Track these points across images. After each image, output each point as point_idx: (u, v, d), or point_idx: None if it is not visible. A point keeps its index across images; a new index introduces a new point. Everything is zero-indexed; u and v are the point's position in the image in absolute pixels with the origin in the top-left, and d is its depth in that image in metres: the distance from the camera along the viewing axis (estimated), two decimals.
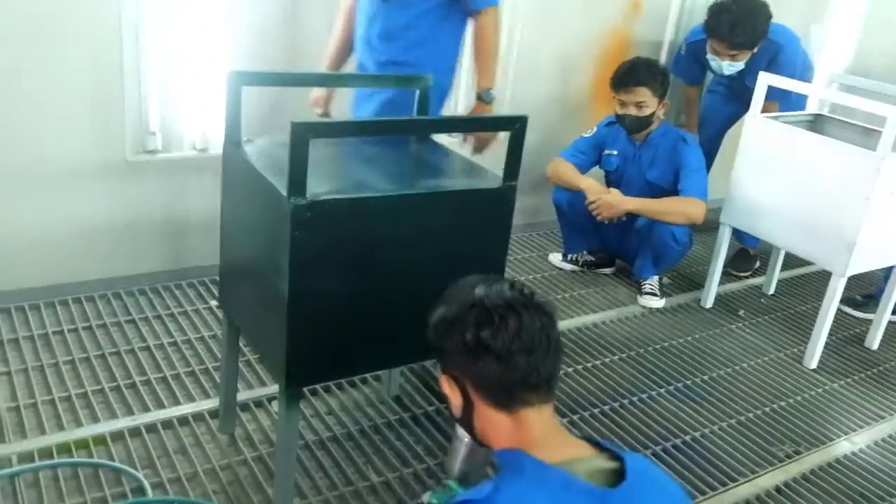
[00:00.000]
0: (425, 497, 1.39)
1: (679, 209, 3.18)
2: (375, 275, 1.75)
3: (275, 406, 2.40)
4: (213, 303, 2.93)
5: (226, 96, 1.89)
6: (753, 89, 3.12)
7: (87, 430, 2.19)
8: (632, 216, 3.30)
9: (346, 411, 2.43)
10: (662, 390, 2.77)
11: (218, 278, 2.14)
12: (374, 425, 2.38)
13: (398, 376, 2.54)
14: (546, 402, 1.16)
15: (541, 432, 1.15)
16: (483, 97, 2.68)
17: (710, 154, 3.83)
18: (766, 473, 2.41)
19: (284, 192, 1.60)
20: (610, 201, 3.23)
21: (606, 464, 1.12)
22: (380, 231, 1.72)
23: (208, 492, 2.04)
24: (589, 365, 2.86)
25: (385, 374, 2.52)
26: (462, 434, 1.53)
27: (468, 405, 1.18)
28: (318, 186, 1.65)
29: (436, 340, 1.19)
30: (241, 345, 2.23)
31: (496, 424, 1.16)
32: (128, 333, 2.70)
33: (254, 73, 1.94)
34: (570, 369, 2.82)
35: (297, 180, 1.58)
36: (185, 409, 2.34)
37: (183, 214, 2.99)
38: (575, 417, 2.55)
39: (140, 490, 2.01)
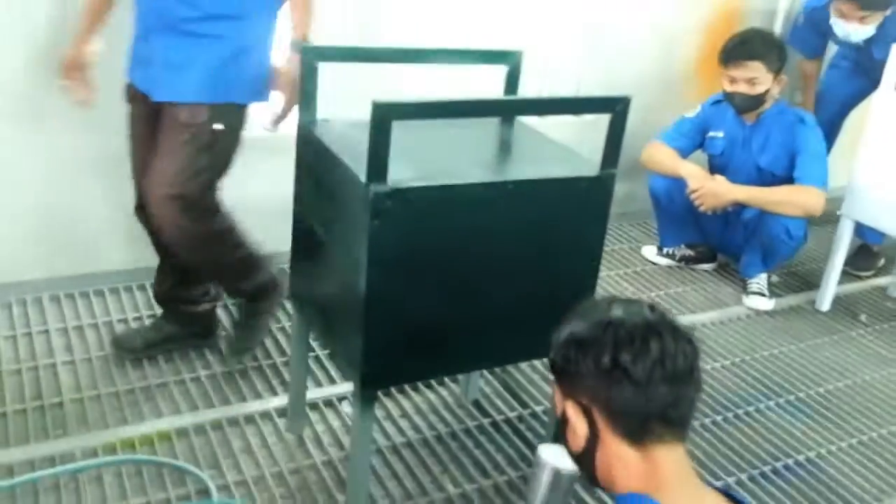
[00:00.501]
0: None
1: (795, 200, 3.07)
2: (461, 270, 1.73)
3: (345, 406, 2.41)
4: None
5: (301, 72, 1.89)
6: (883, 62, 2.96)
7: (151, 426, 2.25)
8: (738, 207, 3.20)
9: (422, 415, 2.42)
10: (771, 403, 2.68)
11: (286, 268, 2.15)
12: (451, 431, 2.36)
13: (478, 379, 2.52)
14: (679, 441, 1.12)
15: (674, 476, 1.10)
16: (297, 47, 2.15)
17: (829, 137, 3.63)
18: (893, 503, 2.29)
19: (363, 179, 1.59)
20: (715, 190, 3.13)
21: None
22: (467, 222, 1.70)
23: (275, 497, 2.06)
24: None
25: (464, 376, 2.50)
26: (544, 460, 1.50)
27: (594, 437, 1.13)
28: (400, 172, 1.63)
29: (562, 361, 1.14)
30: (310, 340, 2.24)
31: (624, 461, 1.11)
32: None
33: (328, 49, 1.94)
34: None
35: (378, 166, 1.56)
36: (252, 406, 2.37)
37: (247, 198, 3.02)
38: None
39: (205, 492, 2.04)
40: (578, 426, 1.14)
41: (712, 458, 2.38)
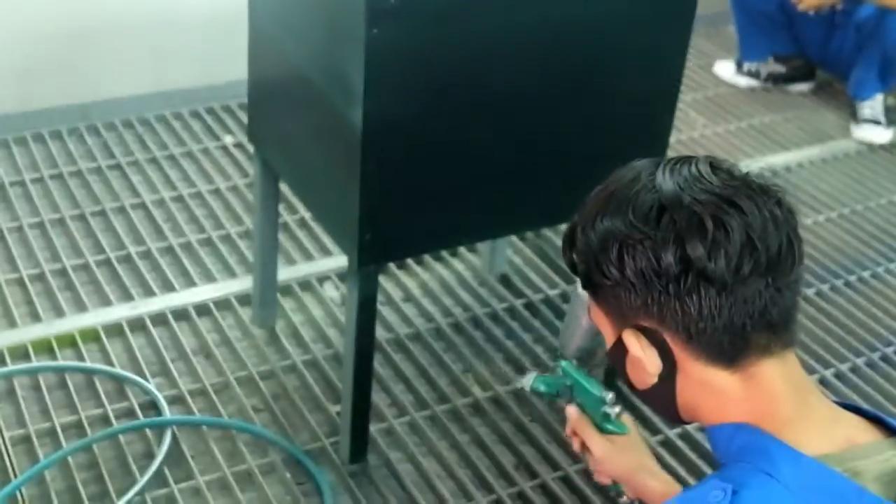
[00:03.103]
0: (527, 380, 1.35)
1: None
2: (488, 96, 1.69)
3: (328, 289, 2.40)
4: (229, 139, 2.92)
5: None
6: None
7: (72, 322, 2.23)
8: (849, 4, 3.16)
9: (432, 296, 2.41)
10: (893, 266, 2.69)
11: (245, 102, 2.12)
12: (472, 317, 2.36)
13: (504, 246, 2.49)
14: (788, 347, 1.06)
15: (791, 398, 1.05)
16: None
17: None
18: None
19: None
20: None
21: None
22: (496, 28, 1.64)
23: (246, 407, 2.07)
24: None
25: (486, 244, 2.47)
26: (583, 298, 1.47)
27: (670, 369, 1.06)
28: None
29: (600, 275, 1.05)
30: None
31: (718, 390, 1.05)
32: (113, 184, 2.71)
33: None
34: None
35: None
36: (204, 292, 2.36)
37: (181, 7, 2.92)
38: None
39: (153, 406, 2.04)
40: (647, 360, 1.06)
41: (818, 338, 2.40)
